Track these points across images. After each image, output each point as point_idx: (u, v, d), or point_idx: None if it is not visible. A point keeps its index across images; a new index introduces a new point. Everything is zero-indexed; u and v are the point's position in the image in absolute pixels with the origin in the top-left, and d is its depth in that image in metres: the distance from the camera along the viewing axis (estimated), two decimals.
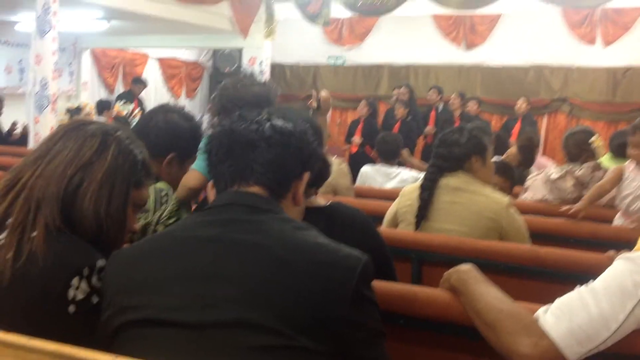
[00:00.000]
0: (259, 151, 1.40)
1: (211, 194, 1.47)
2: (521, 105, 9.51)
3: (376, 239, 1.98)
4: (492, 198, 2.73)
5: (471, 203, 2.70)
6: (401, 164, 5.60)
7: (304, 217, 1.73)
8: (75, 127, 1.54)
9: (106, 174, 1.47)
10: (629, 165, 3.49)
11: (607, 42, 10.49)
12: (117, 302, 1.31)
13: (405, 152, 5.49)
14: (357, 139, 8.84)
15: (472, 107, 9.52)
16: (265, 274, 1.24)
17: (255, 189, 1.40)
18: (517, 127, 9.15)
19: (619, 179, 3.46)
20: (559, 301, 1.47)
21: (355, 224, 1.92)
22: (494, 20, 11.12)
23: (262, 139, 1.41)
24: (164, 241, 1.37)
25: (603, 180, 3.50)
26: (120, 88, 12.30)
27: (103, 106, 9.35)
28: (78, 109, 9.49)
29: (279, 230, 1.32)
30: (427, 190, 2.78)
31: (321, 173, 1.86)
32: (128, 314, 1.28)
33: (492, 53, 11.37)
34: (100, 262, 1.40)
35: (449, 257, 2.43)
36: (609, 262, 1.52)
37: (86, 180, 1.45)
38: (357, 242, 1.76)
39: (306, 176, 1.48)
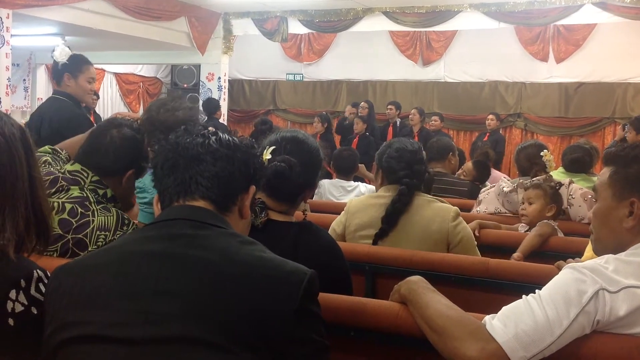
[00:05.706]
0: (204, 165, 1.39)
1: (157, 208, 1.45)
2: (491, 121, 9.78)
3: (340, 261, 2.00)
4: (438, 213, 2.70)
5: (419, 219, 2.68)
6: (358, 178, 5.62)
7: (273, 228, 1.74)
8: None
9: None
10: None
11: (559, 59, 10.75)
12: (60, 318, 1.29)
13: (362, 167, 5.50)
14: None
15: (434, 123, 9.64)
16: (209, 290, 1.24)
17: (200, 203, 1.39)
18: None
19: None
20: (506, 308, 1.50)
21: (321, 244, 1.94)
22: (449, 37, 11.31)
23: (208, 153, 1.40)
24: (108, 256, 1.36)
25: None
26: None
27: None
28: None
29: (225, 245, 1.31)
30: (396, 214, 2.66)
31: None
32: (70, 330, 1.27)
33: (448, 69, 11.56)
34: (37, 273, 1.38)
35: (402, 270, 2.45)
36: (557, 272, 1.56)
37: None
38: (321, 261, 1.77)
39: (252, 190, 1.48)
